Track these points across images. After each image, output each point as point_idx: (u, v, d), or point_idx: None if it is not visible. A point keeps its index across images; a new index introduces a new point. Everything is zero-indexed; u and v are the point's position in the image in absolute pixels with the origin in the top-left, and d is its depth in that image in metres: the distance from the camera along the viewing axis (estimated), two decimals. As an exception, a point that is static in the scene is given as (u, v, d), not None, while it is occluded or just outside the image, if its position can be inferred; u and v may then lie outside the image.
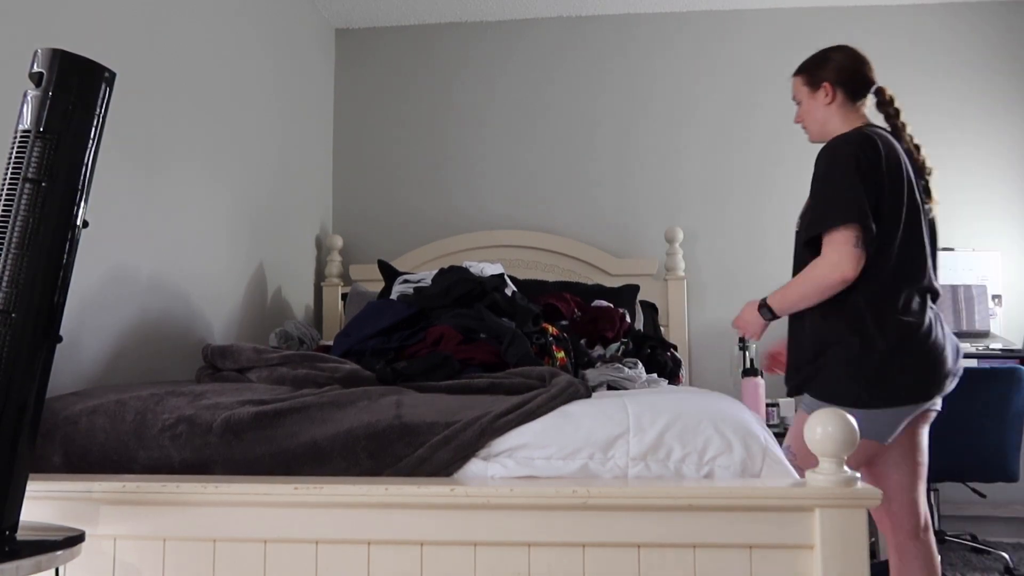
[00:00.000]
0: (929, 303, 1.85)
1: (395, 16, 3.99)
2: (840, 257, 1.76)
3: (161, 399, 1.59)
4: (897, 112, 2.01)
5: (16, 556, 1.11)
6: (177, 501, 1.35)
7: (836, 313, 1.82)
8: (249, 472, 1.46)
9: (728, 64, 3.87)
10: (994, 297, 3.57)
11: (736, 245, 3.80)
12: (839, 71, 1.97)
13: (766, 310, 1.94)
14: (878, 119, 2.02)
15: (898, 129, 1.99)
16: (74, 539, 1.21)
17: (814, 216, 1.84)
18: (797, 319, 1.94)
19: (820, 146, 1.95)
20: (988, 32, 3.76)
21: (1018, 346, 3.41)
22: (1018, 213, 3.67)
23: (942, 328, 1.85)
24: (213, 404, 1.56)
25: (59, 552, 1.17)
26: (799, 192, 3.37)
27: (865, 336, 1.78)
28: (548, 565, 1.31)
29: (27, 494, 1.25)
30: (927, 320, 1.81)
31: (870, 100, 2.01)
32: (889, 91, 2.02)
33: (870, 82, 1.99)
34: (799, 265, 1.94)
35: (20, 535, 1.18)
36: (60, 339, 1.22)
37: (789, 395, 1.98)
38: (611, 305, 2.88)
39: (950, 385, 1.84)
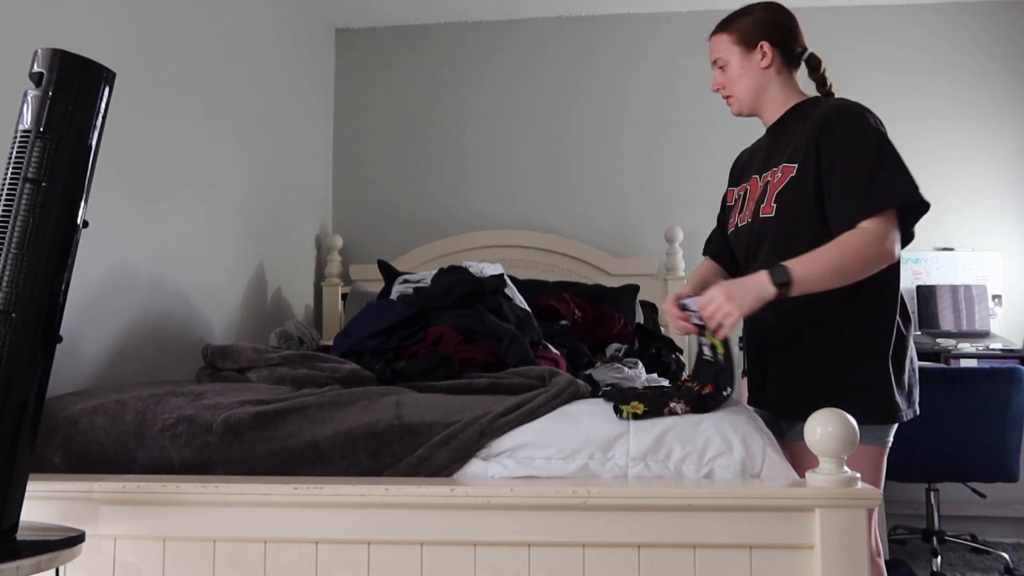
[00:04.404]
0: None
1: (395, 16, 3.99)
2: (895, 235, 1.48)
3: (161, 399, 1.59)
4: (829, 84, 1.72)
5: (16, 556, 1.11)
6: (177, 501, 1.35)
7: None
8: (249, 472, 1.46)
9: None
10: (994, 297, 3.57)
11: (736, 245, 3.79)
12: (777, 29, 1.66)
13: (783, 281, 1.43)
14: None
15: None
16: (74, 539, 1.21)
17: (873, 187, 1.47)
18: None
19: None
20: (987, 33, 3.76)
21: (1018, 346, 3.41)
22: (1018, 213, 3.67)
23: None
24: (213, 404, 1.56)
25: (59, 552, 1.17)
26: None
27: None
28: (548, 565, 1.30)
29: (27, 494, 1.25)
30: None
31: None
32: (820, 57, 1.71)
33: (804, 47, 1.70)
34: (788, 246, 1.54)
35: (20, 535, 1.19)
36: (60, 339, 1.22)
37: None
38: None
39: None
